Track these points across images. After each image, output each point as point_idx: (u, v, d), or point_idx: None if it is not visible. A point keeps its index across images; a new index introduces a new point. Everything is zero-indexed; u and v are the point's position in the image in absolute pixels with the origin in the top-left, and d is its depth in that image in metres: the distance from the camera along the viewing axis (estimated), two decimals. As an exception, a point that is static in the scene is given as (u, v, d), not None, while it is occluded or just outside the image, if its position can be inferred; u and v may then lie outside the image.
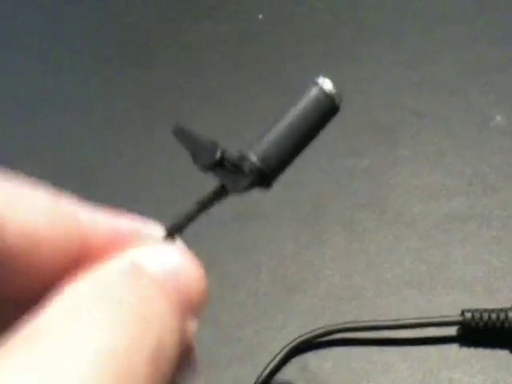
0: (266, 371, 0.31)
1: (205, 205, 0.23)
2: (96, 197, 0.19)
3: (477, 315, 0.31)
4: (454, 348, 0.31)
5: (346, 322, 0.32)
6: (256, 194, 0.36)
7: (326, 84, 0.24)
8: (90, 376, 0.14)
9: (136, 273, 0.16)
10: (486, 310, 0.31)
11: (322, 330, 0.31)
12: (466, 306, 0.32)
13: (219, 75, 0.45)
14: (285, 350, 0.31)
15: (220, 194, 0.24)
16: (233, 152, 0.23)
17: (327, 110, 0.24)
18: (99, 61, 0.47)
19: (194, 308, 0.17)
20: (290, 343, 0.31)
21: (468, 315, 0.31)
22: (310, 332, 0.31)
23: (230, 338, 0.32)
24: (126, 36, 0.48)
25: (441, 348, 0.31)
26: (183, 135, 0.26)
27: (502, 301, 0.32)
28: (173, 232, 0.20)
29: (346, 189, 0.37)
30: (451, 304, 0.32)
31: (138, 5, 0.51)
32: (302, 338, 0.31)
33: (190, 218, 0.22)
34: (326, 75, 0.22)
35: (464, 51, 0.44)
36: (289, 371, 0.31)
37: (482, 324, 0.31)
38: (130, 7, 0.51)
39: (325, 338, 0.31)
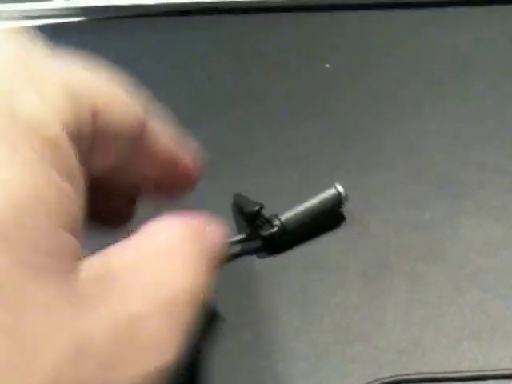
0: (326, 421, 0.32)
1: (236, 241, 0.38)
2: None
3: (534, 369, 0.31)
4: (511, 402, 0.32)
5: (406, 374, 0.32)
6: (319, 245, 0.38)
7: (339, 187, 0.39)
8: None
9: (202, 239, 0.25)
10: (544, 364, 0.31)
11: (381, 382, 0.32)
12: (525, 360, 0.32)
13: (288, 128, 0.46)
14: (345, 401, 0.32)
15: (250, 237, 0.38)
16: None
17: (335, 203, 0.39)
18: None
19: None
20: (350, 393, 0.32)
21: (525, 369, 0.31)
22: (369, 383, 0.32)
23: (292, 388, 0.33)
24: (194, 92, 0.50)
25: (498, 402, 0.32)
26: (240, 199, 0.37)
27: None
28: None
29: (409, 241, 0.38)
30: (510, 357, 0.33)
31: (203, 60, 0.53)
32: (362, 389, 0.32)
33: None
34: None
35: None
36: (348, 421, 0.32)
37: (539, 378, 0.31)
38: (197, 63, 0.53)
39: (384, 389, 0.32)
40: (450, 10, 0.55)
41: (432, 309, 0.35)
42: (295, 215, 0.38)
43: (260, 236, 0.38)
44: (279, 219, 0.38)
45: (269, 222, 0.38)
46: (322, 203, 0.39)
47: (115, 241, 0.23)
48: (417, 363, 0.33)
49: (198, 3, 0.58)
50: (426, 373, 0.32)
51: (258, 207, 0.38)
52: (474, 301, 0.35)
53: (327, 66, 0.51)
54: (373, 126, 0.46)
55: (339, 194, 0.39)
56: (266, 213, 0.38)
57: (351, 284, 0.37)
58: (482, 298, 0.35)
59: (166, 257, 0.23)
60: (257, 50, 0.54)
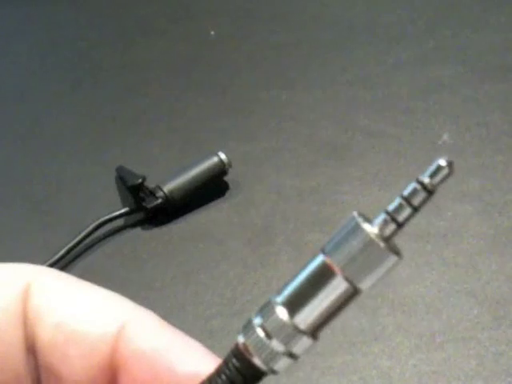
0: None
1: None
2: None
3: None
4: None
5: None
6: (204, 215, 0.37)
7: (222, 155, 0.38)
8: None
9: None
10: None
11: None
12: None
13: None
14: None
15: (134, 210, 0.37)
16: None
17: (219, 171, 0.38)
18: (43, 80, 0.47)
19: None
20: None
21: None
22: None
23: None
24: (78, 55, 0.49)
25: None
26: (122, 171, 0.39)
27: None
28: None
29: (294, 208, 0.38)
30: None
31: (84, 29, 0.51)
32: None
33: None
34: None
35: (415, 72, 0.45)
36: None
37: None
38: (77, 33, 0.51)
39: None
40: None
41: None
42: (178, 185, 0.38)
43: (144, 208, 0.37)
44: (162, 190, 0.37)
45: (152, 193, 0.37)
46: (205, 172, 0.38)
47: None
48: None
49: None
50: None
51: (140, 179, 0.37)
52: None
53: (212, 33, 0.50)
54: (257, 94, 0.45)
55: (222, 162, 0.38)
56: (151, 184, 0.37)
57: (236, 254, 0.36)
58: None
59: None
60: (139, 18, 0.52)
